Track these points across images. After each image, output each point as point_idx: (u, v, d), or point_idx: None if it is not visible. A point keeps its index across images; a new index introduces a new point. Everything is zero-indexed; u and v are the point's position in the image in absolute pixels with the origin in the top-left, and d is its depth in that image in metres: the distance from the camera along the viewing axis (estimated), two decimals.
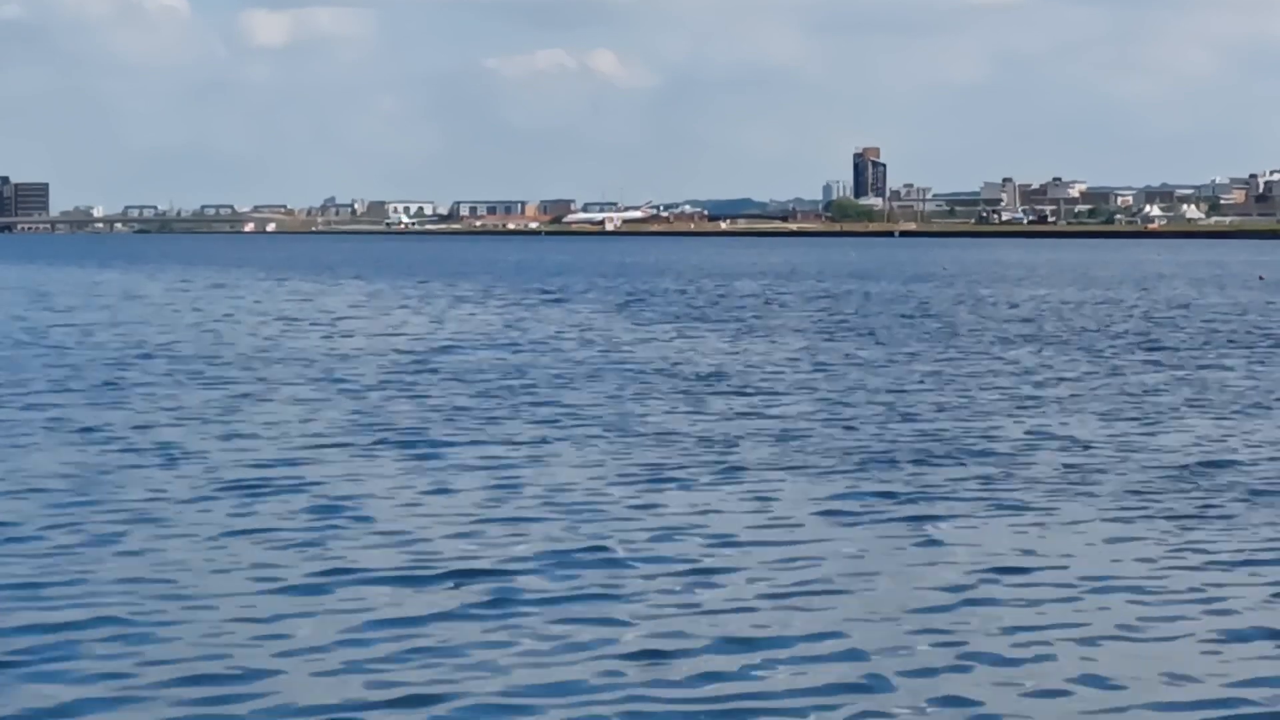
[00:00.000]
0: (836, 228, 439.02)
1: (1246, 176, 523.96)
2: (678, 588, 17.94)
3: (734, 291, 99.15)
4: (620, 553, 19.68)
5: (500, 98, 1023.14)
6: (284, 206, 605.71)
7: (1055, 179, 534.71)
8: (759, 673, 14.75)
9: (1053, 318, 70.78)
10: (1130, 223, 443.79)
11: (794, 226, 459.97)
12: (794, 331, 61.54)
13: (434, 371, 43.59)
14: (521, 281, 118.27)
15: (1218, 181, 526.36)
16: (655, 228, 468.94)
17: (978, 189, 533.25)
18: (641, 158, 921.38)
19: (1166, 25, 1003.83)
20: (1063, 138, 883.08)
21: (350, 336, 58.46)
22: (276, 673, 14.56)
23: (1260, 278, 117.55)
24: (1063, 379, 42.16)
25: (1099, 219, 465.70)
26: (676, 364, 46.22)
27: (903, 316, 72.30)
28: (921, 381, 41.41)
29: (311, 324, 66.31)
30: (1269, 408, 35.50)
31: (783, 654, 15.35)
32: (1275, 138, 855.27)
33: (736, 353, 50.76)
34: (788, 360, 47.94)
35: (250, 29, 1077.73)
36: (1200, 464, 26.86)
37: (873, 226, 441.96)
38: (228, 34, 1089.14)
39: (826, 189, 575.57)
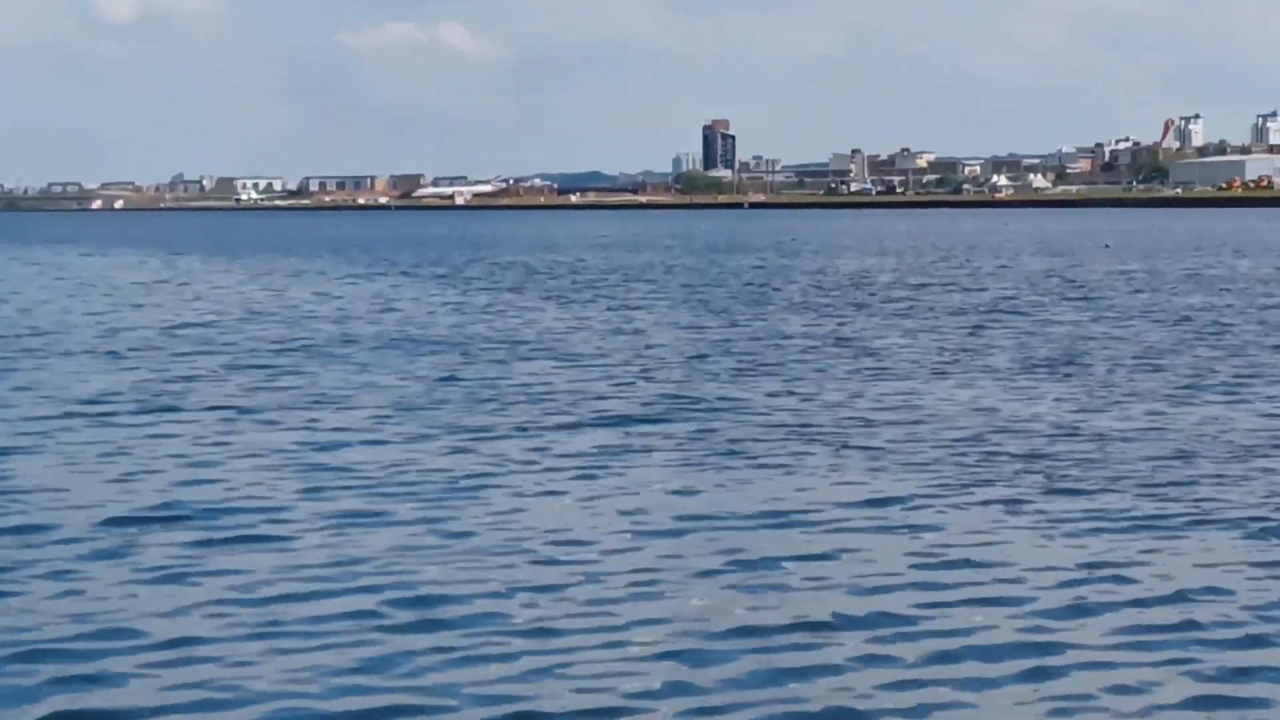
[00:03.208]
0: (686, 200, 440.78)
1: (1093, 146, 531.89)
2: (333, 540, 18.30)
3: (555, 264, 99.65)
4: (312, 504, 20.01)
5: (350, 72, 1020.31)
6: (132, 183, 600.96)
7: (903, 150, 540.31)
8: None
9: (851, 287, 71.73)
10: (978, 192, 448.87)
11: (644, 199, 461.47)
12: (588, 302, 62.04)
13: (212, 344, 43.61)
14: (343, 257, 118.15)
15: (1064, 151, 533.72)
16: (505, 201, 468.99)
17: (826, 160, 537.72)
18: (492, 131, 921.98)
19: None
20: (911, 109, 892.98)
21: (138, 309, 58.28)
22: None
23: (1106, 245, 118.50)
24: (827, 344, 42.92)
25: (947, 189, 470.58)
26: (467, 333, 46.59)
27: (706, 285, 73.03)
28: (697, 347, 41.97)
29: (103, 295, 66.14)
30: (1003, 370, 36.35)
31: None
32: (1121, 108, 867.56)
33: (529, 322, 51.20)
34: (574, 328, 48.38)
35: (98, 4, 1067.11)
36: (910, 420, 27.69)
37: (722, 198, 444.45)
38: (75, 9, 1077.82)
39: (676, 161, 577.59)
